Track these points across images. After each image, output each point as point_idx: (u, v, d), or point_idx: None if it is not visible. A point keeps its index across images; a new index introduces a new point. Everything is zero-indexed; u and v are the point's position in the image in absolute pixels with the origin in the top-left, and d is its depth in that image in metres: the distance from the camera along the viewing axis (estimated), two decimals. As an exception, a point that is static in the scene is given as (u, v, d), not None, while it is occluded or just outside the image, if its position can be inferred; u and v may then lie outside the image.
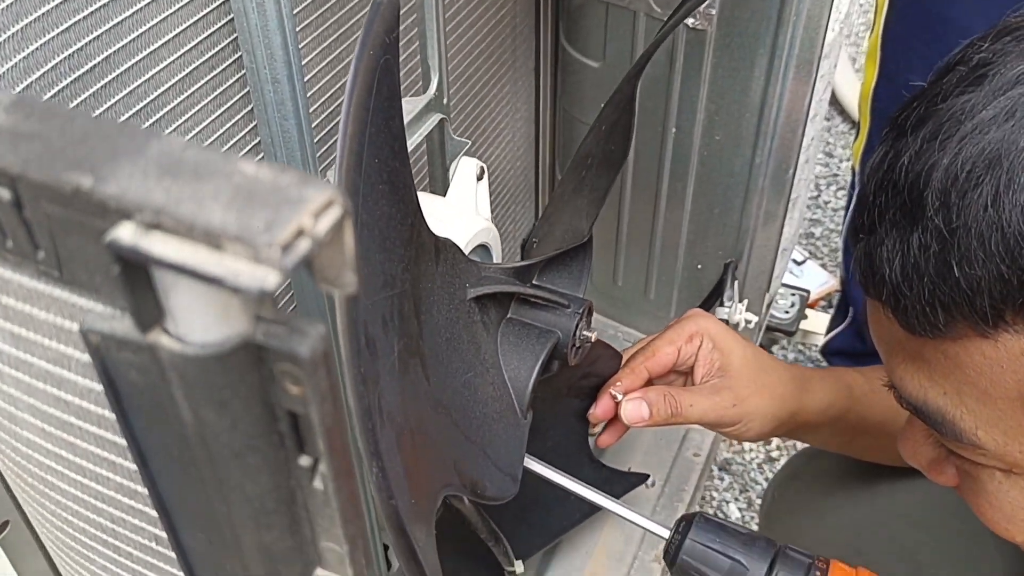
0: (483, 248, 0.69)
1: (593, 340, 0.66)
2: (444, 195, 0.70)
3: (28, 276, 0.26)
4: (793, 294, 1.23)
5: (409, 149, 0.66)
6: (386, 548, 0.86)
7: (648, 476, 0.87)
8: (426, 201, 0.68)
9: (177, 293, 0.22)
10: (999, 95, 0.44)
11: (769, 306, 1.16)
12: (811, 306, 1.54)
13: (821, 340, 1.26)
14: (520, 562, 0.78)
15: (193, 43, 0.51)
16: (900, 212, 0.46)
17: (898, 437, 0.61)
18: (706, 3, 0.83)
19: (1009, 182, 0.42)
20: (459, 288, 0.59)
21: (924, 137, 0.46)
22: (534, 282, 0.67)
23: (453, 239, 0.61)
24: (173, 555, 0.34)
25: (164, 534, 0.32)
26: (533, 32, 1.00)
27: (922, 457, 0.59)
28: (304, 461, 0.27)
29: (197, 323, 0.23)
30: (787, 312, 1.20)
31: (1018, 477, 0.51)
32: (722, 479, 1.46)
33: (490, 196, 1.01)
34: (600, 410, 0.74)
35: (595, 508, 0.87)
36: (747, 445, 1.51)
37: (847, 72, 2.03)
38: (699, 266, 1.02)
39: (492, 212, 1.02)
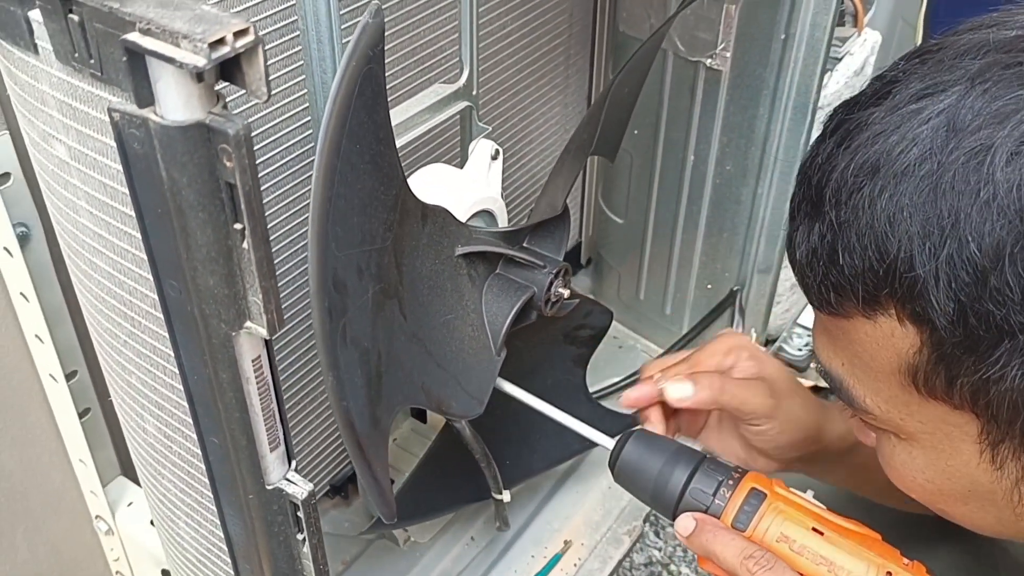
0: (489, 215, 0.83)
1: (567, 296, 0.79)
2: (464, 169, 0.84)
3: (87, 82, 0.42)
4: (809, 334, 1.33)
5: (434, 127, 0.81)
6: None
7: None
8: (443, 171, 0.83)
9: (161, 83, 0.37)
10: (894, 112, 0.50)
11: (776, 340, 1.26)
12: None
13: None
14: (508, 492, 0.90)
15: None
16: (809, 204, 0.54)
17: None
18: (722, 46, 0.96)
19: (881, 189, 0.49)
20: (447, 246, 0.72)
21: (836, 141, 0.53)
22: (523, 245, 0.80)
23: (459, 202, 0.75)
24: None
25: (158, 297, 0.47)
26: (588, 62, 1.16)
27: (853, 421, 0.65)
28: (237, 226, 0.42)
29: (171, 106, 0.38)
30: (800, 350, 1.29)
31: (904, 442, 0.58)
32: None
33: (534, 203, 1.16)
34: (636, 394, 0.76)
35: (574, 451, 0.99)
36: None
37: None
38: (708, 286, 1.14)
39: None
